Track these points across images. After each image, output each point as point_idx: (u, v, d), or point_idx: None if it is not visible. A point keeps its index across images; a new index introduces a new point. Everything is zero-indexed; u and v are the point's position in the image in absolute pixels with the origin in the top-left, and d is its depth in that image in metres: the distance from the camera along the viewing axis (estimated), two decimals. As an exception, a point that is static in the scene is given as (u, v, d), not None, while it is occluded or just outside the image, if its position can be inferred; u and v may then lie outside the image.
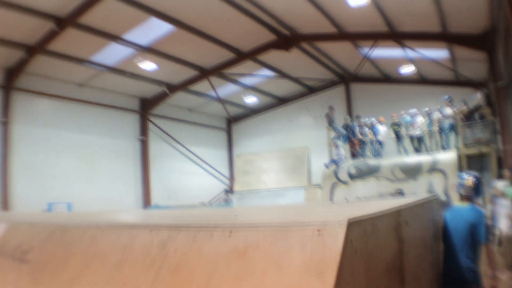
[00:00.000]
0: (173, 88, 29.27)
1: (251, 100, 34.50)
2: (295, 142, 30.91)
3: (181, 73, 27.87)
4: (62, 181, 24.34)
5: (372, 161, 22.18)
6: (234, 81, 30.86)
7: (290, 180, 25.58)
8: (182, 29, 22.24)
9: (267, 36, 24.56)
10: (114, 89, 27.91)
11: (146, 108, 30.47)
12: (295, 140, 31.97)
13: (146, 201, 29.20)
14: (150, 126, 30.89)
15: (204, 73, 27.96)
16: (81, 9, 18.78)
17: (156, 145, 31.14)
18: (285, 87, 33.13)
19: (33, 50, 21.26)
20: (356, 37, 24.05)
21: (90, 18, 19.78)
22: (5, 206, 21.56)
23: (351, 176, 22.05)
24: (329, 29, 22.94)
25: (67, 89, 25.58)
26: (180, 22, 21.80)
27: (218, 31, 23.58)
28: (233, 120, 37.44)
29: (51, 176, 23.96)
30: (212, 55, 26.03)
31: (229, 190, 34.06)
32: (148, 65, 25.30)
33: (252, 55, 26.21)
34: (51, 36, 20.20)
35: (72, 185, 24.67)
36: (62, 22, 19.49)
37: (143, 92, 29.81)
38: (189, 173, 33.07)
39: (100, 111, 27.44)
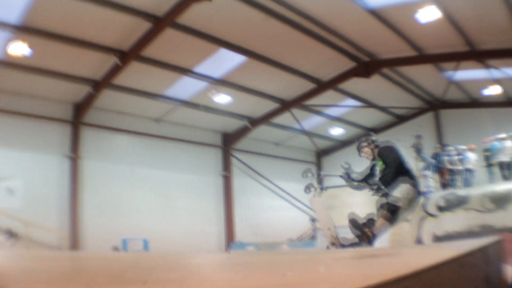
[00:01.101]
0: (254, 122, 28.51)
1: (337, 131, 33.12)
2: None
3: (262, 106, 27.11)
4: (138, 217, 24.00)
5: (461, 192, 20.35)
6: (318, 113, 29.71)
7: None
8: (255, 59, 21.58)
9: (347, 64, 23.40)
10: (193, 123, 27.57)
11: (228, 142, 29.90)
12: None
13: (229, 238, 28.33)
14: (234, 161, 30.22)
15: (285, 105, 27.01)
16: (142, 43, 18.61)
17: (240, 180, 30.38)
18: (372, 117, 31.59)
19: (99, 85, 21.29)
20: (437, 59, 22.39)
21: (155, 51, 19.67)
22: (75, 243, 21.28)
23: (440, 209, 20.28)
24: (409, 52, 21.50)
25: (143, 124, 25.64)
26: (252, 52, 21.17)
27: (295, 61, 22.75)
28: (323, 153, 35.98)
29: (126, 213, 23.73)
30: (291, 86, 25.15)
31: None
32: (222, 98, 24.67)
33: (333, 84, 25.00)
34: (115, 70, 20.10)
35: (149, 222, 24.23)
36: (125, 56, 19.26)
37: (224, 127, 29.29)
38: (276, 209, 31.88)
39: (179, 147, 27.20)
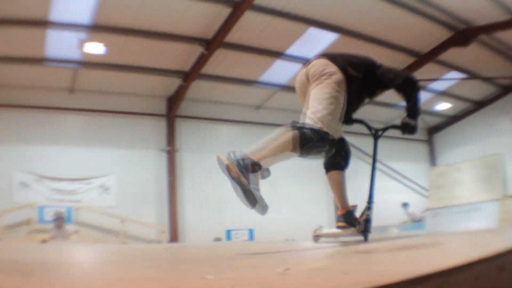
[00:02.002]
0: (356, 102, 27.57)
1: (444, 106, 31.69)
2: (494, 149, 27.59)
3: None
4: (242, 207, 23.72)
5: None
6: (422, 88, 28.41)
7: (483, 192, 22.76)
8: (347, 36, 21.16)
9: (443, 34, 22.34)
10: (295, 108, 26.85)
11: (334, 125, 29.09)
12: (494, 146, 28.54)
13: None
14: (342, 143, 29.46)
15: (385, 81, 26.00)
16: (224, 29, 18.72)
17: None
18: (478, 89, 29.71)
19: (188, 76, 21.83)
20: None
21: (241, 37, 19.89)
22: (175, 237, 21.56)
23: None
24: (504, 17, 20.19)
25: (242, 112, 26.13)
26: (343, 28, 20.84)
27: (389, 35, 22.04)
28: (434, 130, 34.68)
29: (229, 203, 23.65)
30: (388, 61, 23.93)
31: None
32: (319, 79, 24.06)
33: (432, 56, 23.91)
34: (203, 60, 20.49)
35: (254, 211, 23.99)
36: (210, 44, 19.61)
37: (327, 109, 28.45)
38: (387, 191, 30.55)
39: (281, 133, 26.72)
